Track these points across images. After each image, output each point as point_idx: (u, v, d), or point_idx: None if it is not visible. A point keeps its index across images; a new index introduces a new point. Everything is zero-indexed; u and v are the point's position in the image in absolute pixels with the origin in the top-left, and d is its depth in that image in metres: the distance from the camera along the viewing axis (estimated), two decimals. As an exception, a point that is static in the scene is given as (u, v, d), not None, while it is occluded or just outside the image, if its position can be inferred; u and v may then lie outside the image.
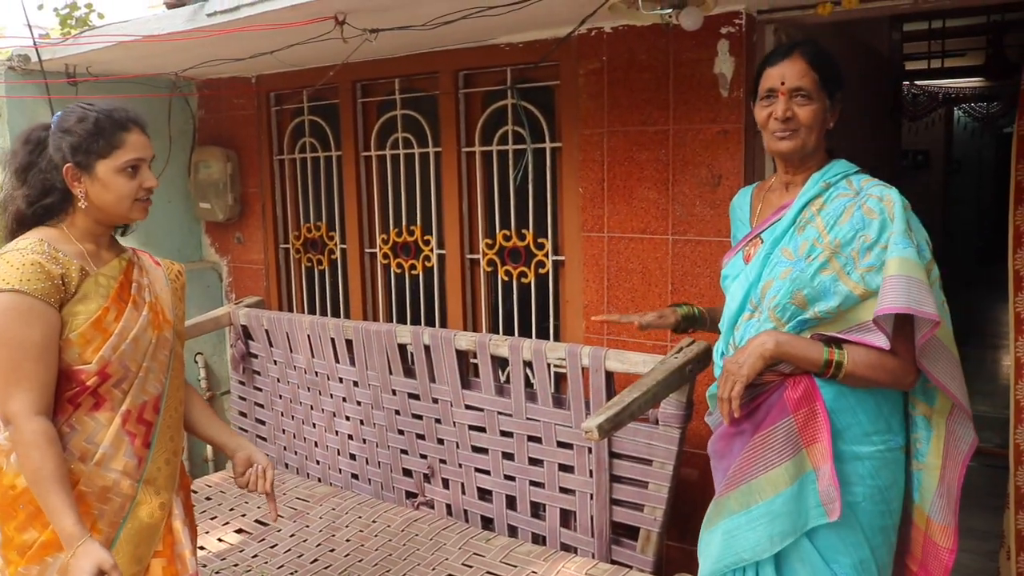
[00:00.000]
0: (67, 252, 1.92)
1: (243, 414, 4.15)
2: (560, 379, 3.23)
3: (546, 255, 3.55)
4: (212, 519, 3.32)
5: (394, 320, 4.10)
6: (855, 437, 1.91)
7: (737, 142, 2.99)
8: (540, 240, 3.57)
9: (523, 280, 3.64)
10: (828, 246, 1.88)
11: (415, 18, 2.89)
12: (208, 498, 3.54)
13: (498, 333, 3.71)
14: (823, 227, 1.91)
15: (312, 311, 4.42)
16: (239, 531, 3.23)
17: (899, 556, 2.05)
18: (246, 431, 4.13)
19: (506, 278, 3.69)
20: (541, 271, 3.58)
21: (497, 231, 3.69)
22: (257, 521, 3.31)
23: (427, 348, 3.30)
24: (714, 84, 3.01)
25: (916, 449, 1.99)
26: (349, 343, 3.55)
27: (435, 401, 3.33)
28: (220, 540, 3.16)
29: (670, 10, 2.49)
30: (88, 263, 1.95)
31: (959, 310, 1.81)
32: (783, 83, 1.94)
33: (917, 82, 7.63)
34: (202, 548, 3.09)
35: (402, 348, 3.41)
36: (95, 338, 1.91)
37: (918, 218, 1.93)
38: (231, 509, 3.42)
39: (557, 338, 3.58)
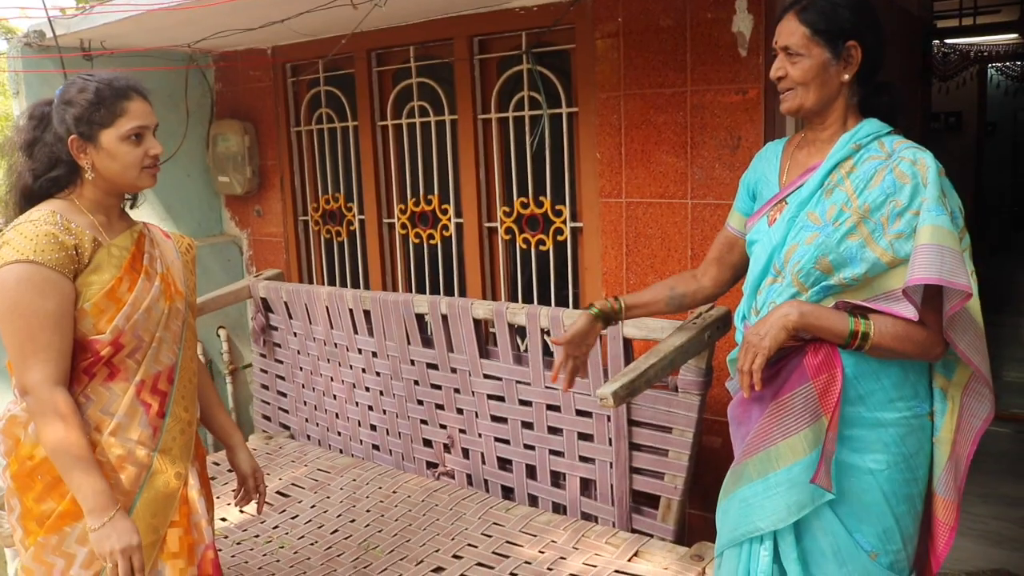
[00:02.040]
0: (79, 223, 1.92)
1: (264, 387, 4.16)
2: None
3: (564, 222, 3.50)
4: (234, 490, 3.33)
5: (413, 290, 4.09)
6: (879, 403, 1.85)
7: (757, 103, 2.92)
8: (558, 207, 3.52)
9: (541, 248, 3.60)
10: (856, 211, 1.81)
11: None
12: (230, 470, 3.54)
13: (517, 302, 3.68)
14: (852, 191, 1.84)
15: (332, 282, 4.42)
16: (261, 502, 3.24)
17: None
18: (268, 403, 4.15)
19: (524, 246, 3.65)
20: (559, 238, 3.54)
21: (515, 199, 3.65)
22: (279, 492, 3.32)
23: (444, 318, 3.27)
24: (732, 44, 2.94)
25: (933, 423, 1.93)
26: (367, 314, 3.54)
27: (453, 371, 3.31)
28: (241, 511, 3.17)
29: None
30: (100, 234, 1.96)
31: (992, 276, 1.73)
32: (776, 42, 1.91)
33: (948, 40, 7.43)
34: (223, 519, 3.12)
35: (420, 318, 3.39)
36: (108, 308, 1.91)
37: (951, 183, 1.86)
38: (253, 480, 3.44)
39: (576, 306, 3.55)
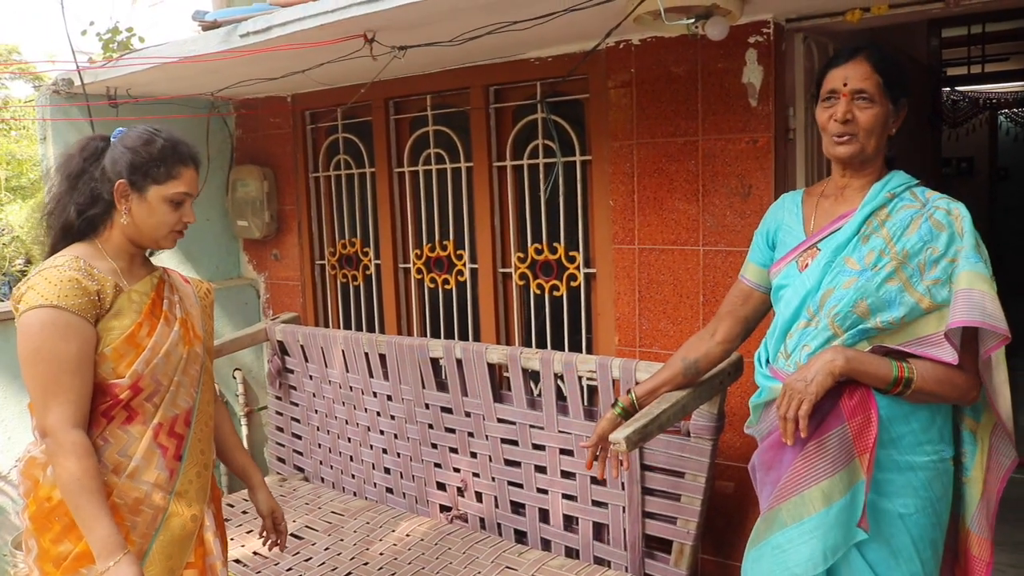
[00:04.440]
0: (101, 269, 1.97)
1: (280, 429, 4.19)
2: (592, 392, 3.23)
3: (578, 268, 3.55)
4: (249, 532, 3.36)
5: (428, 334, 4.13)
6: (909, 446, 1.88)
7: (767, 152, 2.97)
8: (572, 253, 3.57)
9: (555, 293, 3.64)
10: (896, 256, 1.85)
11: (442, 34, 2.93)
12: (244, 512, 3.58)
13: (531, 346, 3.71)
14: (889, 237, 1.88)
15: (347, 326, 4.46)
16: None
17: (944, 569, 2.01)
18: (283, 446, 4.18)
19: (538, 291, 3.69)
20: (573, 284, 3.58)
21: (529, 245, 3.70)
22: (293, 535, 3.33)
23: (459, 362, 3.31)
24: (743, 94, 3.00)
25: (963, 464, 1.95)
26: (383, 358, 3.58)
27: (467, 415, 3.33)
28: (255, 553, 3.19)
29: (695, 20, 2.49)
30: (121, 279, 2.00)
31: (1010, 321, 1.79)
32: (845, 84, 1.92)
33: (958, 88, 7.51)
34: (237, 561, 3.13)
35: (435, 362, 3.42)
36: (128, 352, 1.95)
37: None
38: (267, 523, 3.45)
39: (590, 351, 3.57)
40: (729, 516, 3.18)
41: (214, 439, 2.24)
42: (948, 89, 7.32)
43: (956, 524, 2.00)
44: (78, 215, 2.00)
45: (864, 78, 1.91)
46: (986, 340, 1.81)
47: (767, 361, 2.07)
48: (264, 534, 2.40)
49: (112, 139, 2.02)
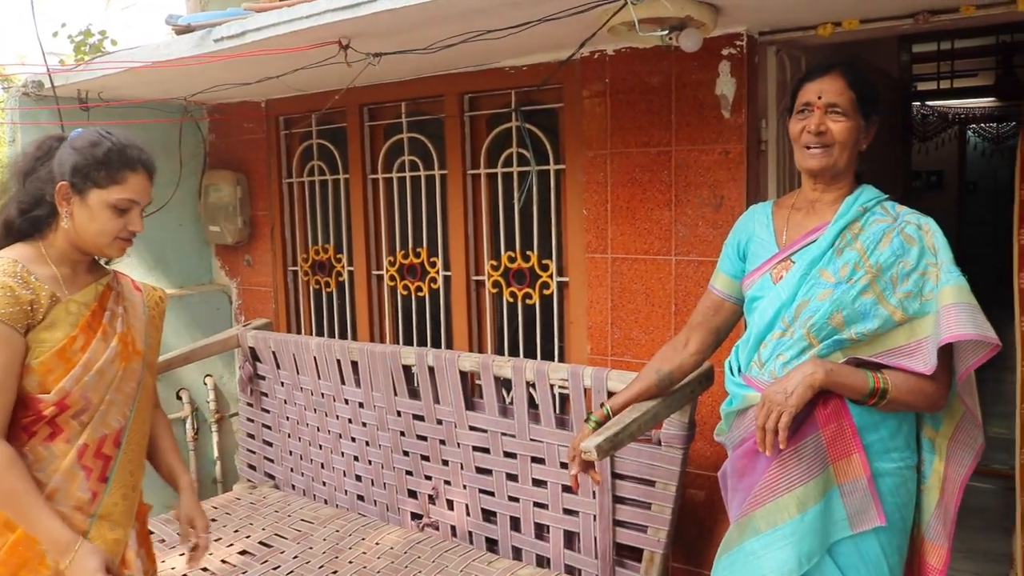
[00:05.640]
0: (40, 275, 1.88)
1: (251, 436, 4.16)
2: (564, 400, 3.23)
3: (551, 276, 3.55)
4: (217, 540, 3.32)
5: (401, 341, 4.12)
6: (877, 453, 1.92)
7: (739, 163, 3.00)
8: (545, 261, 3.58)
9: (528, 301, 3.64)
10: (870, 270, 1.89)
11: (417, 42, 2.93)
12: (213, 519, 3.54)
13: (503, 354, 3.71)
14: (863, 251, 1.92)
15: (320, 333, 4.44)
16: (243, 552, 3.23)
17: None
18: (254, 453, 4.14)
19: (511, 299, 3.70)
20: (546, 292, 3.59)
21: (502, 253, 3.71)
22: (261, 543, 3.31)
23: (431, 369, 3.30)
24: (716, 105, 3.02)
25: (922, 471, 1.99)
26: (355, 364, 3.57)
27: (439, 422, 3.33)
28: (223, 561, 3.16)
29: (669, 32, 2.51)
30: (60, 288, 1.91)
31: None
32: (820, 97, 1.96)
33: (927, 102, 7.62)
34: (205, 569, 3.10)
35: (407, 369, 3.41)
36: (57, 367, 1.86)
37: None
38: (236, 531, 3.43)
39: (562, 359, 3.58)
40: (700, 524, 3.19)
41: (150, 446, 2.15)
42: (918, 103, 7.42)
43: (913, 531, 2.03)
44: (20, 214, 1.91)
45: (838, 93, 1.95)
46: (968, 353, 1.84)
47: (739, 370, 2.09)
48: (180, 542, 2.22)
49: (67, 139, 1.94)
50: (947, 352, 1.87)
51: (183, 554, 3.10)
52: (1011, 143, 8.65)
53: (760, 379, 2.01)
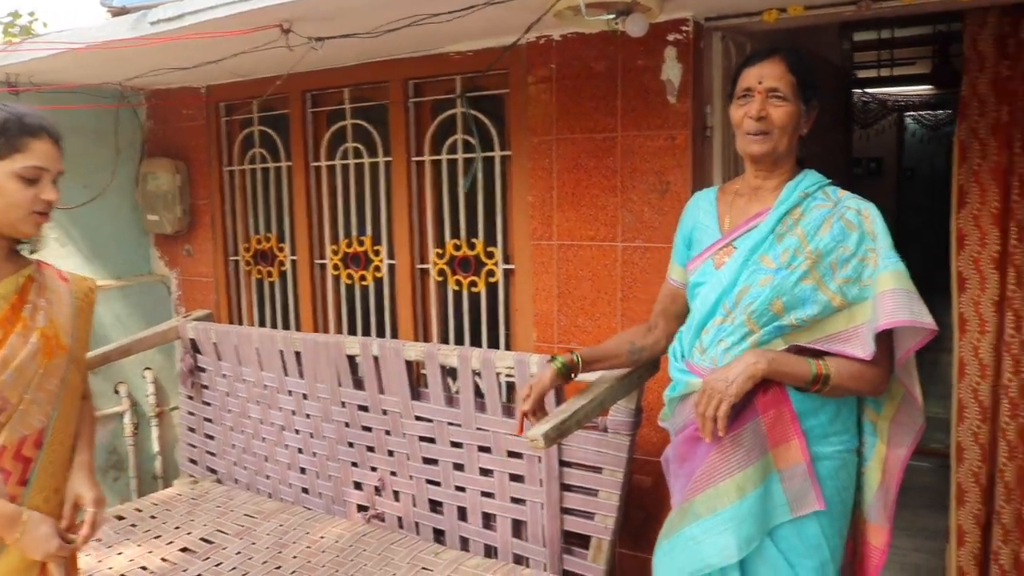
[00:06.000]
0: None
1: (192, 429, 4.07)
2: (511, 388, 3.21)
3: (496, 264, 3.53)
4: (156, 538, 3.24)
5: (345, 331, 4.06)
6: (816, 438, 1.93)
7: (685, 149, 3.00)
8: (490, 249, 3.54)
9: (473, 289, 3.61)
10: (810, 255, 1.89)
11: (361, 26, 2.87)
12: (153, 516, 3.46)
13: (449, 343, 3.68)
14: (803, 236, 1.92)
15: (263, 323, 4.36)
16: (184, 550, 3.15)
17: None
18: (195, 447, 4.05)
19: (456, 288, 3.66)
20: (491, 280, 3.56)
21: (447, 240, 3.67)
22: (203, 539, 3.23)
23: (376, 359, 3.26)
24: (662, 91, 3.01)
25: (863, 454, 2.01)
26: (298, 356, 3.50)
27: (384, 413, 3.28)
28: (163, 560, 3.08)
29: (615, 16, 2.49)
30: None
31: None
32: (760, 83, 1.95)
33: (867, 90, 7.74)
34: (144, 568, 3.02)
35: (351, 360, 3.36)
36: None
37: None
38: (177, 527, 3.34)
39: (508, 347, 3.56)
40: (647, 510, 3.20)
41: None
42: (859, 91, 7.54)
43: (855, 513, 2.06)
44: None
45: (778, 77, 1.94)
46: (907, 337, 1.86)
47: (682, 355, 2.09)
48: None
49: None
50: (887, 337, 1.88)
51: (121, 553, 3.04)
52: (947, 130, 8.84)
53: (702, 365, 2.01)
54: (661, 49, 3.00)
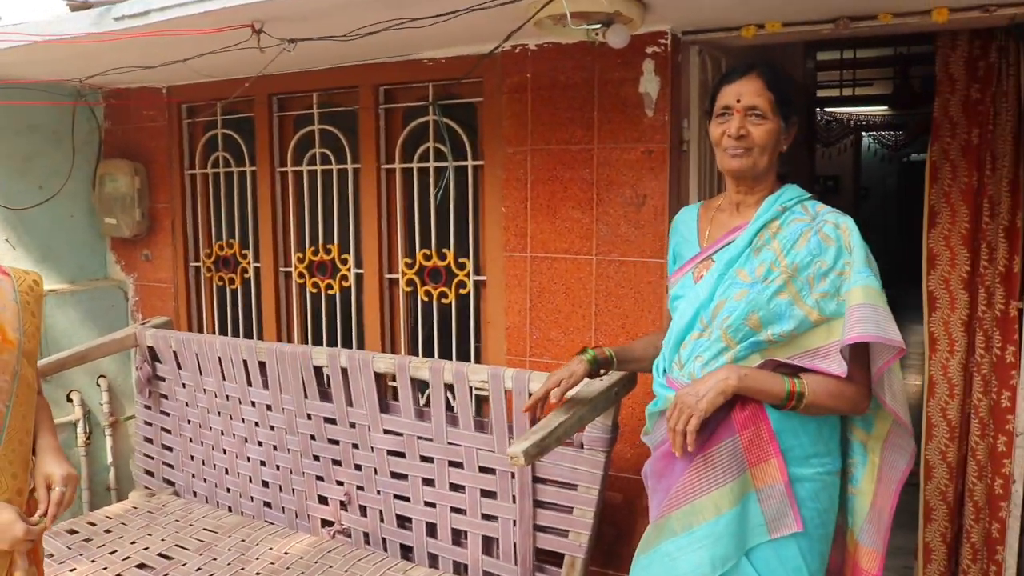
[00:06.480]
0: None
1: (148, 440, 3.93)
2: (481, 402, 3.15)
3: (467, 275, 3.47)
4: (112, 553, 3.12)
5: (309, 341, 3.97)
6: (796, 459, 1.89)
7: (662, 162, 2.98)
8: (461, 260, 3.49)
9: (443, 301, 3.55)
10: (785, 270, 1.87)
11: (335, 28, 2.80)
12: (108, 531, 3.33)
13: (417, 355, 3.62)
14: (780, 250, 1.89)
15: (223, 332, 4.24)
16: (140, 566, 3.03)
17: None
18: (152, 458, 3.92)
19: (426, 298, 3.60)
20: (462, 291, 3.50)
21: (417, 250, 3.60)
22: (161, 555, 3.11)
23: (344, 371, 3.17)
24: (639, 104, 2.99)
25: (851, 474, 1.99)
26: (262, 365, 3.40)
27: (352, 426, 3.20)
28: (118, 575, 2.96)
29: (598, 26, 2.46)
30: None
31: None
32: (739, 100, 1.93)
33: (829, 109, 7.85)
34: (100, 585, 2.90)
35: (318, 371, 3.27)
36: None
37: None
38: (133, 542, 3.22)
39: (478, 360, 3.50)
40: (618, 527, 3.16)
41: None
42: (821, 110, 7.64)
43: (844, 535, 2.03)
44: None
45: (757, 94, 1.93)
46: (880, 354, 1.84)
47: (664, 370, 2.07)
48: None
49: None
50: (864, 353, 1.87)
51: (74, 570, 2.92)
52: (903, 152, 9.00)
53: (680, 380, 1.99)
54: (639, 62, 2.98)
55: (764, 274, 1.89)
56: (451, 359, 3.44)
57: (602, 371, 2.32)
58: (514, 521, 2.87)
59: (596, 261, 3.13)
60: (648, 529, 2.02)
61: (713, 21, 2.88)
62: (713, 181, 3.25)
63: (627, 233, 3.06)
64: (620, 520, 3.15)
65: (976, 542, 3.06)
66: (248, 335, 4.14)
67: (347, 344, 3.82)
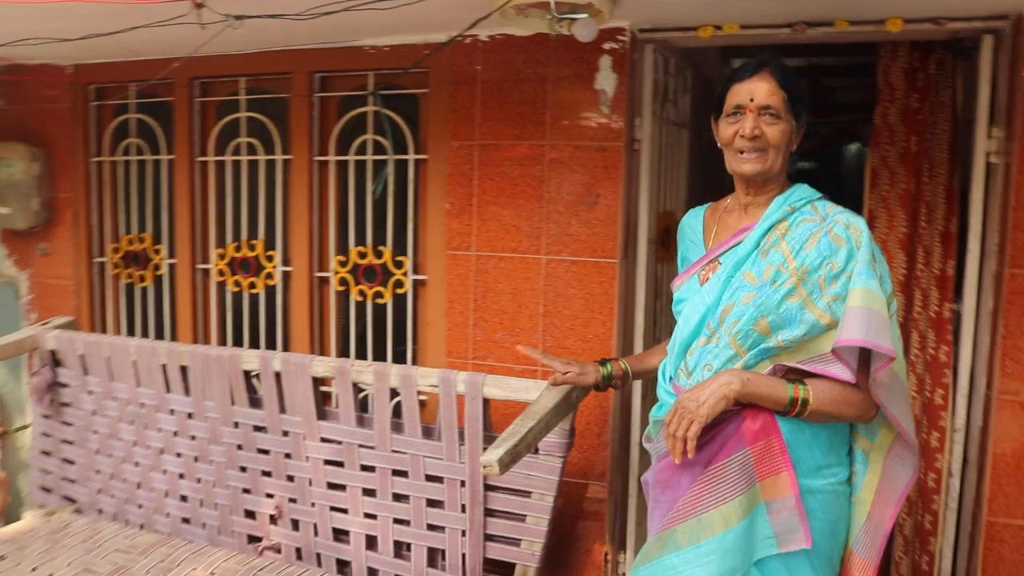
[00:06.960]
0: None
1: (46, 453, 3.59)
2: (421, 407, 3.00)
3: (405, 274, 3.32)
4: (34, 570, 2.81)
5: (229, 343, 3.71)
6: (808, 471, 1.83)
7: (616, 161, 2.91)
8: (399, 258, 3.33)
9: (379, 301, 3.38)
10: (795, 272, 1.80)
11: (288, 7, 2.59)
12: (2, 557, 3.01)
13: (348, 357, 3.43)
14: (789, 252, 1.82)
15: (131, 333, 3.93)
16: (48, 591, 2.75)
17: None
18: (50, 473, 3.58)
19: (360, 298, 3.42)
20: (399, 291, 3.34)
21: (351, 247, 3.42)
22: (69, 578, 2.84)
23: (277, 375, 2.97)
24: (594, 101, 2.91)
25: (853, 483, 1.94)
26: (184, 370, 3.15)
27: (285, 434, 2.99)
28: (25, 602, 2.68)
29: (570, 16, 2.36)
30: None
31: None
32: (752, 100, 1.85)
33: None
34: (4, 614, 2.61)
35: (247, 375, 3.05)
36: None
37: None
38: (34, 568, 2.91)
39: (415, 363, 3.35)
40: (561, 533, 3.07)
41: None
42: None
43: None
44: None
45: (770, 93, 1.87)
46: (877, 358, 1.80)
47: (669, 377, 1.98)
48: None
49: None
50: (868, 359, 1.83)
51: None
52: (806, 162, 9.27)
53: (687, 388, 1.91)
54: (595, 58, 2.90)
55: (772, 276, 1.83)
56: (385, 361, 3.27)
57: (615, 386, 2.32)
58: (463, 531, 2.74)
59: (545, 260, 3.04)
60: (649, 540, 1.93)
61: (672, 20, 2.83)
62: (665, 182, 3.21)
63: (578, 232, 2.98)
64: (560, 525, 3.06)
65: (908, 535, 3.12)
66: (160, 337, 3.85)
67: (272, 346, 3.60)
